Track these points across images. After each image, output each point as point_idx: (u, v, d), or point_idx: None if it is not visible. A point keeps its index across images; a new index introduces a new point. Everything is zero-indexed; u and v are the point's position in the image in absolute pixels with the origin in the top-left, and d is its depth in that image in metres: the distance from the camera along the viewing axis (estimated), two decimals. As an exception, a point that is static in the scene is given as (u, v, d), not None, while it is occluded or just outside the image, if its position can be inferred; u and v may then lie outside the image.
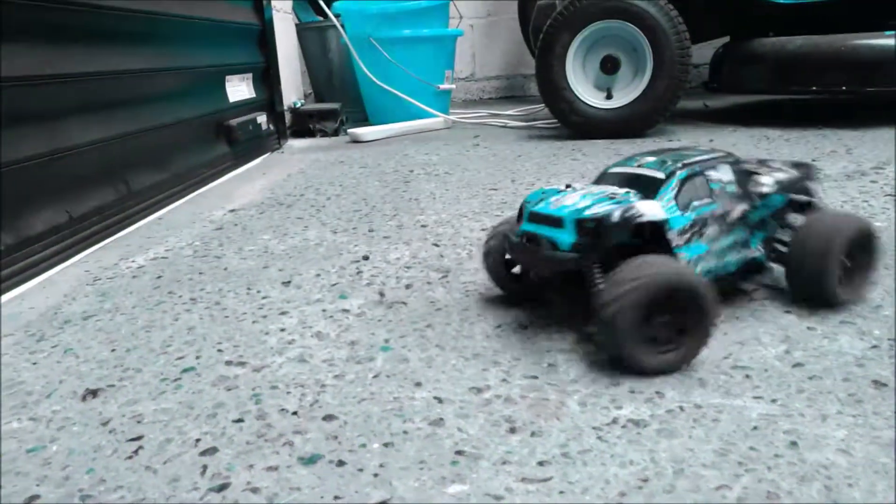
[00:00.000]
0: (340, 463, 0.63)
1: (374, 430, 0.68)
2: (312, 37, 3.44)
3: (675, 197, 0.82)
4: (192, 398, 0.77)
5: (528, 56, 3.63)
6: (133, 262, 1.31)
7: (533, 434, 0.66)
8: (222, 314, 1.01)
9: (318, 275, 1.16)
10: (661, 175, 0.83)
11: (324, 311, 1.00)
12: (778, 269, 0.94)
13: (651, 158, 0.88)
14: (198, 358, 0.87)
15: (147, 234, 1.52)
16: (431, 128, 2.97)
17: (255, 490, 0.60)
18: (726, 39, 2.94)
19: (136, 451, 0.67)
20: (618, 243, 0.80)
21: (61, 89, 1.37)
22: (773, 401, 0.69)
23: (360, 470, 0.62)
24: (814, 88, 2.43)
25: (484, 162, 2.13)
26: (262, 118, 2.45)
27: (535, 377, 0.77)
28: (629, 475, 0.59)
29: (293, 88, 3.23)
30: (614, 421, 0.67)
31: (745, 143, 2.21)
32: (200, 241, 1.42)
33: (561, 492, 0.57)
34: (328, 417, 0.71)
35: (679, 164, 0.84)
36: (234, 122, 2.20)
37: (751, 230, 0.89)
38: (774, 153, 1.99)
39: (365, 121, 3.21)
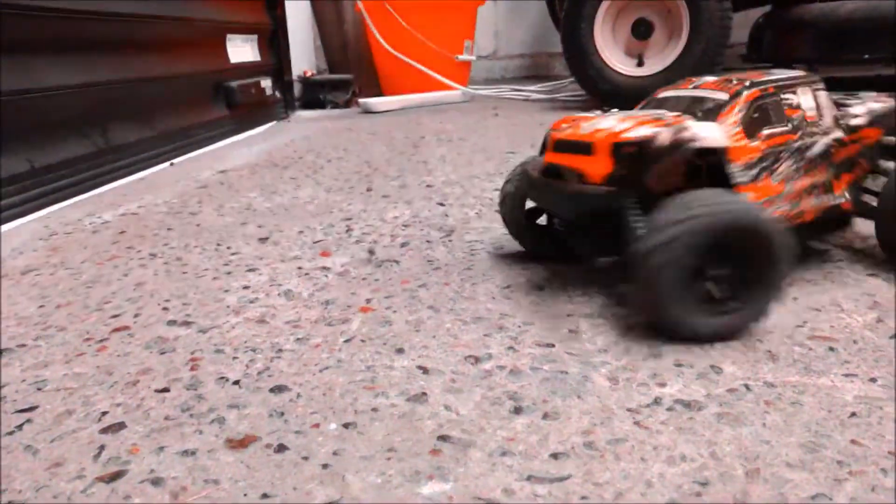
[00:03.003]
0: (281, 448, 0.46)
1: (334, 406, 0.51)
2: (327, 7, 3.27)
3: (742, 121, 0.64)
4: (115, 362, 0.61)
5: (554, 34, 3.42)
6: (99, 217, 1.15)
7: (546, 416, 0.49)
8: (180, 270, 0.85)
9: (302, 232, 1.00)
10: (723, 96, 0.65)
11: (300, 268, 0.83)
12: (863, 224, 0.76)
13: (712, 78, 0.70)
14: (136, 316, 0.71)
15: (124, 192, 1.36)
16: (449, 100, 2.80)
17: (155, 482, 0.43)
18: (767, 10, 2.71)
19: (20, 426, 0.51)
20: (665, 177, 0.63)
21: (38, 23, 1.22)
22: (873, 380, 0.51)
23: (305, 458, 0.45)
24: (866, 57, 2.21)
25: (502, 129, 1.96)
26: (266, 83, 2.29)
27: (551, 345, 0.60)
28: (681, 476, 0.41)
29: (305, 58, 3.07)
30: (657, 401, 0.50)
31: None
32: (179, 199, 1.26)
33: (583, 497, 0.40)
34: (277, 389, 0.54)
35: (747, 83, 0.66)
36: (234, 83, 2.04)
37: (835, 171, 0.70)
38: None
39: (380, 94, 3.04)
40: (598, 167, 0.61)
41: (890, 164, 0.73)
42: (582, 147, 0.63)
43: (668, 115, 0.65)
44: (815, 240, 0.79)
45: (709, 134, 0.61)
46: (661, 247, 0.54)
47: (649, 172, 0.60)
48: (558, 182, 0.65)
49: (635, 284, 0.58)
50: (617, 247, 0.62)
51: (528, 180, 0.69)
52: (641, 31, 2.22)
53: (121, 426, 0.50)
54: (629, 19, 2.23)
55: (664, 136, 0.59)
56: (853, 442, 0.44)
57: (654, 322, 0.60)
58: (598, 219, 0.66)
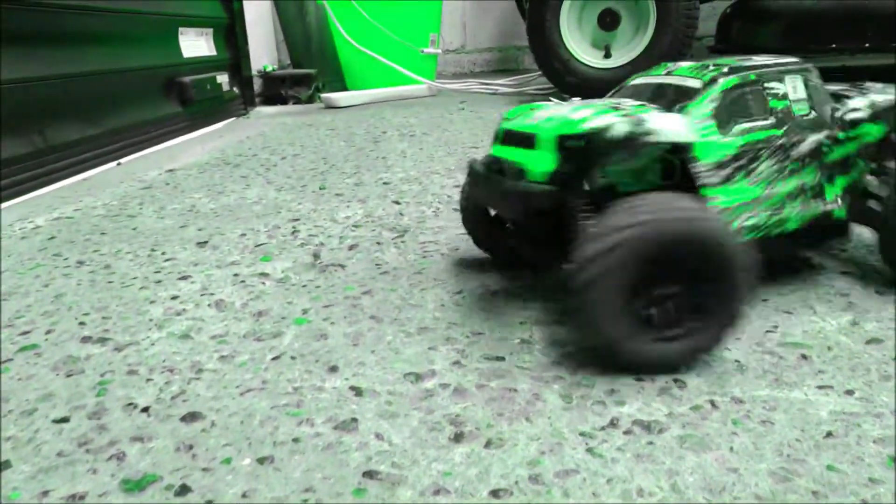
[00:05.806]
0: (183, 490, 0.40)
1: (252, 436, 0.45)
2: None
3: (714, 112, 0.58)
4: (14, 387, 0.54)
5: (522, 27, 3.38)
6: (31, 222, 1.08)
7: (489, 444, 0.43)
8: (106, 279, 0.78)
9: (244, 234, 0.93)
10: (696, 84, 0.59)
11: (236, 275, 0.77)
12: (862, 233, 0.71)
13: (687, 63, 0.64)
14: (49, 333, 0.64)
15: (64, 194, 1.28)
16: (414, 94, 2.74)
17: (30, 537, 0.37)
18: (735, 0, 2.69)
19: None
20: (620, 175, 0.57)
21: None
22: (849, 392, 0.47)
23: (209, 503, 0.39)
24: (833, 46, 2.20)
25: (468, 124, 1.90)
26: (223, 78, 2.21)
27: (501, 358, 0.54)
28: (637, 515, 0.36)
29: (265, 52, 2.99)
30: (613, 423, 0.45)
31: (760, 104, 1.97)
32: (119, 201, 1.19)
33: (524, 544, 0.35)
34: (190, 417, 0.48)
35: (725, 69, 0.60)
36: (188, 79, 1.96)
37: (828, 173, 0.62)
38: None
39: (344, 89, 2.97)
40: (541, 163, 0.56)
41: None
42: (526, 140, 0.57)
43: (629, 104, 0.59)
44: (805, 251, 0.72)
45: (671, 127, 0.55)
46: (596, 258, 0.48)
47: (596, 170, 0.55)
48: (497, 178, 0.59)
49: (571, 301, 0.51)
50: (563, 253, 0.55)
51: (471, 174, 0.64)
52: (608, 21, 2.18)
53: (5, 466, 0.44)
54: (595, 10, 2.18)
55: (618, 128, 0.54)
56: (829, 468, 0.39)
57: (591, 346, 0.54)
58: (543, 221, 0.60)
